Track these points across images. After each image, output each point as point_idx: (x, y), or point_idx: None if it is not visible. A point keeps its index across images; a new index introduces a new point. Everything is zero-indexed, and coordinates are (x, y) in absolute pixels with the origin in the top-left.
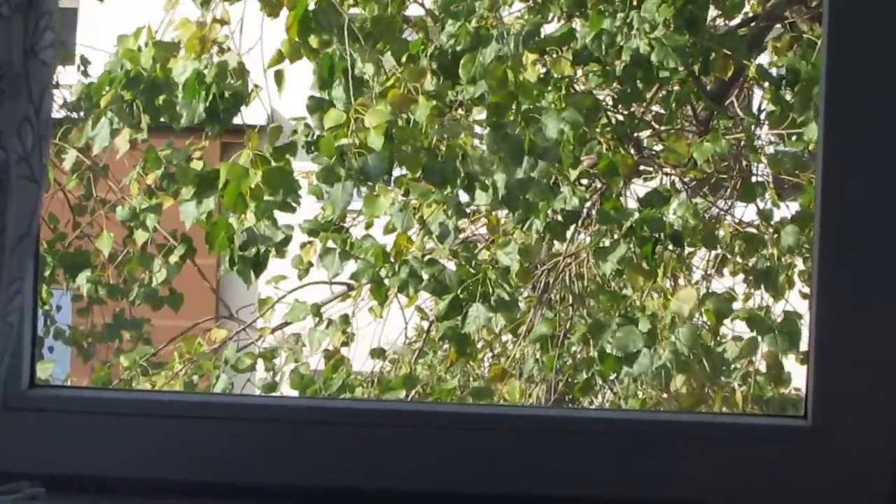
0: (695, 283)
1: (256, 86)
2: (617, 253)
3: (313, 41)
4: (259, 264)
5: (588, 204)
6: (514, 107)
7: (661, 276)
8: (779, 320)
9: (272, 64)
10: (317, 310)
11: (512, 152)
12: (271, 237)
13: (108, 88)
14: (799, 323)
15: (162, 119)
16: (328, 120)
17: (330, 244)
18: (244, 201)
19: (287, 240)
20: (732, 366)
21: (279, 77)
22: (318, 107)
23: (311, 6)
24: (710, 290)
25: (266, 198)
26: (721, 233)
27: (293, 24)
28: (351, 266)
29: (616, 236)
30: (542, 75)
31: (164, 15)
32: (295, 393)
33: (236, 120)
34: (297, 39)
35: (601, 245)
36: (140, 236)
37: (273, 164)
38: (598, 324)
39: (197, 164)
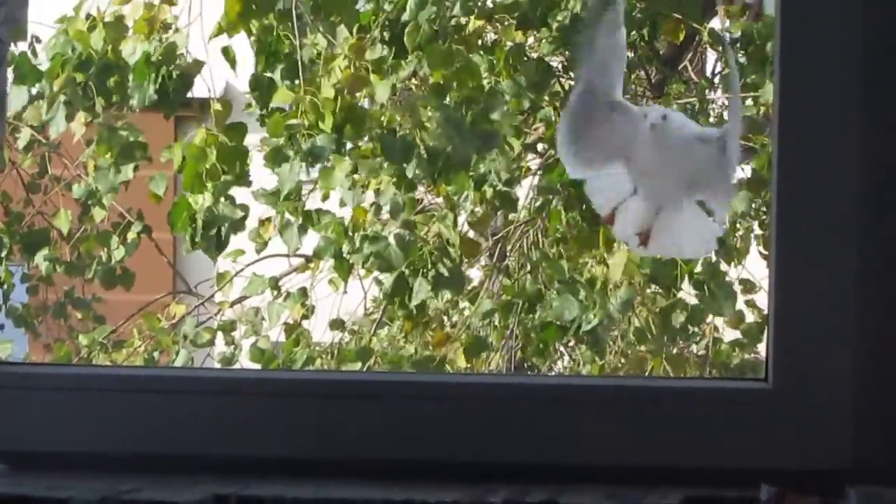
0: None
1: (197, 60)
2: (562, 220)
3: (254, 25)
4: (221, 243)
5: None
6: (456, 84)
7: (604, 240)
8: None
9: (213, 36)
10: (275, 283)
11: (455, 132)
12: (230, 216)
13: (60, 71)
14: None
15: (114, 100)
16: (276, 99)
17: (289, 217)
18: (202, 181)
19: (245, 217)
20: (691, 331)
21: (227, 53)
22: (259, 85)
23: None
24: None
25: (224, 177)
26: None
27: (233, 6)
28: (310, 238)
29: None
30: (489, 43)
31: None
32: (255, 366)
33: (189, 94)
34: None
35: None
36: (98, 213)
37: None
38: (537, 293)
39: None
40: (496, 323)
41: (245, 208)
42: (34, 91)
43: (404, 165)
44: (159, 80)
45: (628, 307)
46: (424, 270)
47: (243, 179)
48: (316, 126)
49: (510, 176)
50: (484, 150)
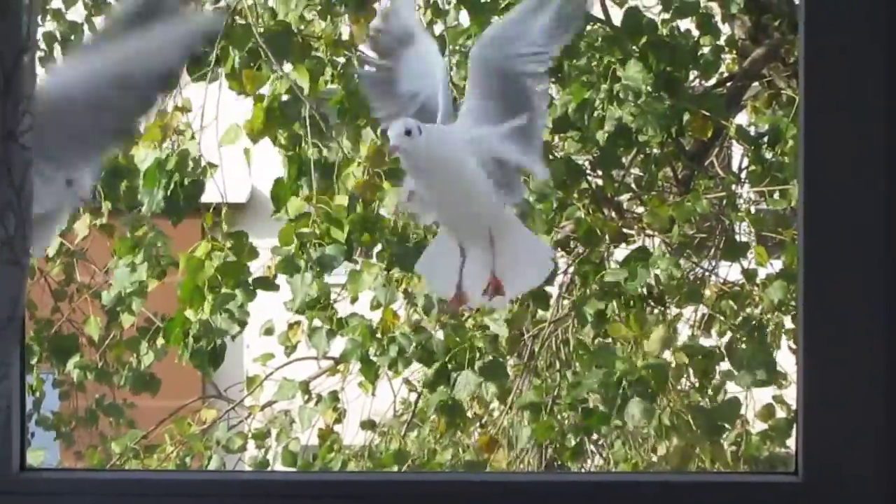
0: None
1: (210, 164)
2: (594, 305)
3: (281, 136)
4: (216, 356)
5: (572, 269)
6: None
7: (635, 324)
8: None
9: (226, 141)
10: (305, 387)
11: None
12: (226, 329)
13: None
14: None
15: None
16: (291, 209)
17: (317, 322)
18: (201, 294)
19: (242, 328)
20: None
21: (247, 154)
22: (279, 195)
23: (279, 97)
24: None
25: (224, 290)
26: (707, 293)
27: (259, 116)
28: (339, 341)
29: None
30: None
31: None
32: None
33: (206, 198)
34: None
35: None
36: (126, 320)
37: (229, 255)
38: (578, 380)
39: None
40: (528, 424)
41: (242, 323)
42: None
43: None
44: (171, 186)
45: (665, 379)
46: (471, 362)
47: (270, 285)
48: (328, 235)
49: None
50: None
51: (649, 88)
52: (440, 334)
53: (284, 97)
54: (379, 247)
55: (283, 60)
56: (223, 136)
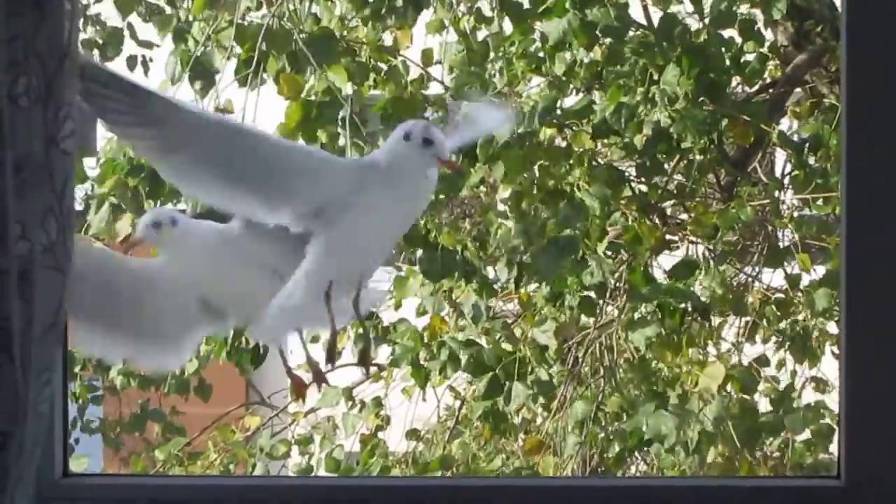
0: (725, 354)
1: None
2: (646, 330)
3: (321, 134)
4: (257, 356)
5: (616, 276)
6: (534, 189)
7: (686, 348)
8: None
9: None
10: (349, 394)
11: (535, 235)
12: None
13: (110, 174)
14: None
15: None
16: None
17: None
18: None
19: None
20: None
21: None
22: None
23: (317, 97)
24: (738, 361)
25: None
26: (750, 299)
27: (293, 114)
28: (384, 349)
29: (644, 310)
30: (560, 148)
31: None
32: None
33: None
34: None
35: (632, 319)
36: None
37: None
38: (631, 403)
39: None
40: (575, 431)
41: None
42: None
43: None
44: None
45: (721, 422)
46: (521, 374)
47: None
48: None
49: (598, 281)
50: (564, 257)
51: (687, 93)
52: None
53: (323, 98)
54: (420, 252)
55: (325, 64)
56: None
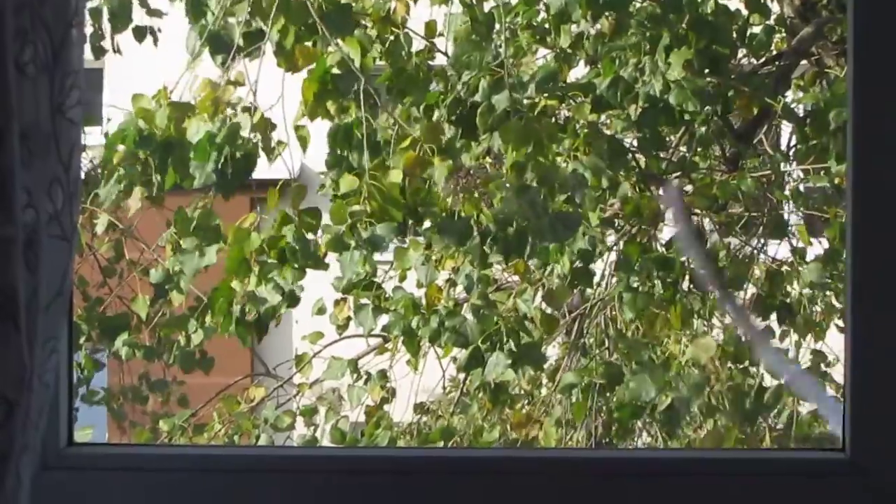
0: (723, 326)
1: (280, 142)
2: (635, 302)
3: (331, 106)
4: (260, 327)
5: (618, 248)
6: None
7: (677, 319)
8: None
9: (297, 119)
10: (354, 366)
11: (532, 208)
12: (269, 300)
13: (121, 146)
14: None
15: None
16: (342, 185)
17: (365, 300)
18: (248, 265)
19: (293, 301)
20: (775, 408)
21: (302, 135)
22: (336, 163)
23: (331, 69)
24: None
25: (269, 260)
26: (757, 271)
27: (309, 88)
28: (385, 319)
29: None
30: (561, 121)
31: (187, 75)
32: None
33: (265, 175)
34: (312, 101)
35: (626, 289)
36: (176, 298)
37: (295, 228)
38: (612, 372)
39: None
40: (576, 400)
41: (300, 290)
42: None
43: (477, 244)
44: (220, 160)
45: (700, 389)
46: (501, 345)
47: (320, 263)
48: (381, 212)
49: (586, 250)
50: (567, 234)
51: (692, 63)
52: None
53: (336, 70)
54: (428, 223)
55: (338, 36)
56: (296, 115)
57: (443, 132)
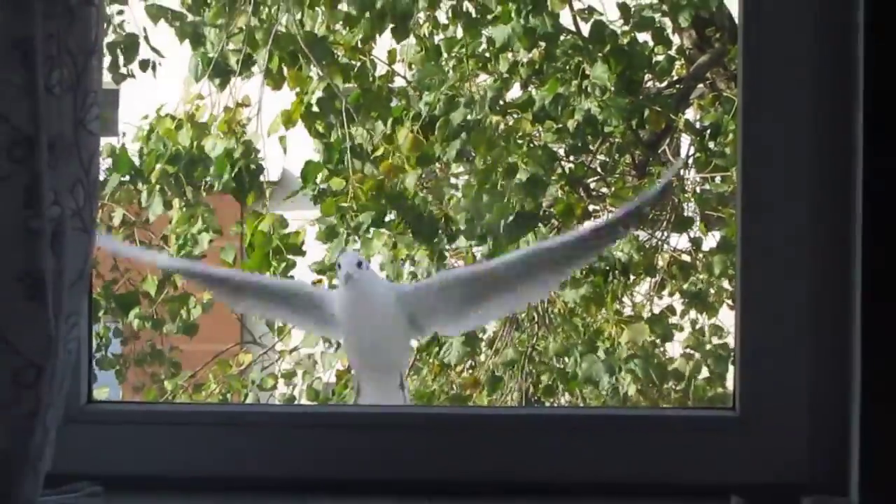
0: (639, 304)
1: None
2: (580, 289)
3: (319, 126)
4: None
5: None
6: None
7: (610, 302)
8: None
9: (273, 130)
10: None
11: (497, 205)
12: None
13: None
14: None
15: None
16: (332, 184)
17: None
18: (268, 261)
19: None
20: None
21: (283, 143)
22: (313, 171)
23: (315, 96)
24: (654, 315)
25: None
26: (660, 261)
27: (296, 110)
28: None
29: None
30: (503, 134)
31: (183, 93)
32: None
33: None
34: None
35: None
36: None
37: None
38: (565, 349)
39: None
40: (511, 371)
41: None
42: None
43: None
44: (235, 171)
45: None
46: None
47: (298, 251)
48: (362, 206)
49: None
50: (527, 230)
51: (612, 87)
52: None
53: (320, 94)
54: (392, 215)
55: (321, 62)
56: (270, 125)
57: (422, 145)
